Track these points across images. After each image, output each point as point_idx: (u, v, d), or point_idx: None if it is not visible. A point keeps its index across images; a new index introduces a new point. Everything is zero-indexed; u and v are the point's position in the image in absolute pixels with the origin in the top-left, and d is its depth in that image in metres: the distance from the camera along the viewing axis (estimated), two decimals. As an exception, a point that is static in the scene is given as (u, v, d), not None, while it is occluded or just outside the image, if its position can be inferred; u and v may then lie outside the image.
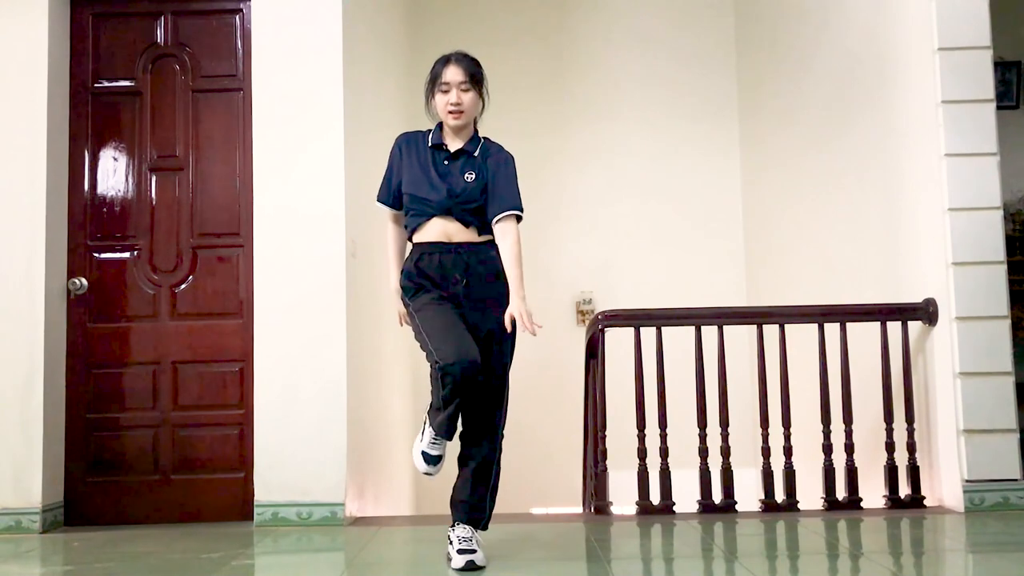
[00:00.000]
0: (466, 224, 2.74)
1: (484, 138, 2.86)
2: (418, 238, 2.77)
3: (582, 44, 6.16)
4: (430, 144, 2.80)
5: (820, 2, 4.72)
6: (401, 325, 2.92)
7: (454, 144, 2.80)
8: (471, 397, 2.66)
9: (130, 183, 3.81)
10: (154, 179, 3.81)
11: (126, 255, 3.78)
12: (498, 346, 2.75)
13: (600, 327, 3.77)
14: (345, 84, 3.66)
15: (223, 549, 3.11)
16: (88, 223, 3.78)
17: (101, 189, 3.80)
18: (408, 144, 2.84)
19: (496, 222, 2.73)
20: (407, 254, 2.84)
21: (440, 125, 2.83)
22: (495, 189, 2.76)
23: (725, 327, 3.73)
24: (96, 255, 3.78)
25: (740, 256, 6.00)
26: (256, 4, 3.71)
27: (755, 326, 3.76)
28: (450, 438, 2.75)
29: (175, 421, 3.71)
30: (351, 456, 3.58)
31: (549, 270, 6.00)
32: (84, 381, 3.72)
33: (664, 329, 3.74)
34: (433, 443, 2.73)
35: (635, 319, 3.79)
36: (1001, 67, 5.47)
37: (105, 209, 3.79)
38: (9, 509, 3.50)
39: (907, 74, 3.75)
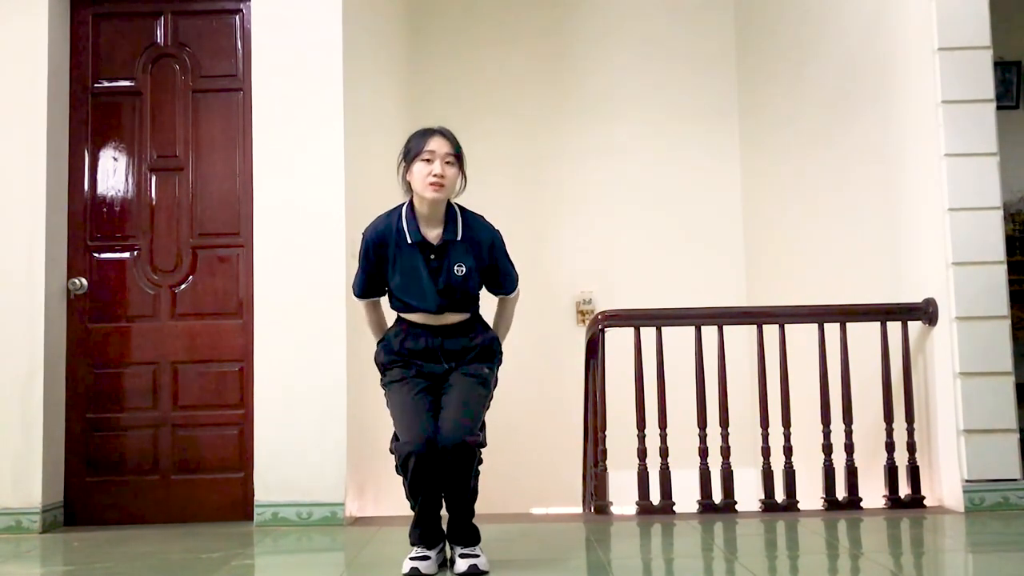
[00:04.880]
0: (456, 312, 2.69)
1: (459, 208, 2.72)
2: (406, 316, 2.71)
3: (582, 44, 6.15)
4: (410, 241, 2.63)
5: (820, 2, 4.72)
6: None
7: (433, 232, 2.65)
8: (432, 481, 2.57)
9: (130, 183, 3.81)
10: (154, 179, 3.81)
11: (126, 255, 3.78)
12: (476, 383, 2.68)
13: (600, 327, 3.77)
14: (345, 84, 3.66)
15: (223, 549, 3.12)
16: (88, 223, 3.78)
17: (101, 189, 3.80)
18: (382, 241, 2.66)
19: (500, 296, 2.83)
20: (390, 324, 2.78)
21: (411, 206, 2.67)
22: (497, 276, 2.77)
23: (725, 327, 3.73)
24: (96, 255, 3.78)
25: (740, 256, 5.99)
26: (256, 4, 3.71)
27: (755, 326, 3.76)
28: (426, 543, 2.65)
29: (175, 421, 3.71)
30: (351, 456, 3.58)
31: (549, 270, 5.99)
32: (84, 381, 3.72)
33: (664, 329, 3.74)
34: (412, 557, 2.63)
35: (635, 319, 3.79)
36: (1001, 67, 5.47)
37: (105, 209, 3.79)
38: (9, 509, 3.50)
39: (907, 74, 3.75)
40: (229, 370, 3.72)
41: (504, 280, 2.80)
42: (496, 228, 2.77)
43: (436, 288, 2.63)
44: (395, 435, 2.66)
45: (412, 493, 2.62)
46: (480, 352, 2.72)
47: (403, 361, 2.70)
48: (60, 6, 3.76)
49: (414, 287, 2.64)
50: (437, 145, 2.62)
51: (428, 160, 2.60)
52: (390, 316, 2.84)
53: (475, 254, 2.68)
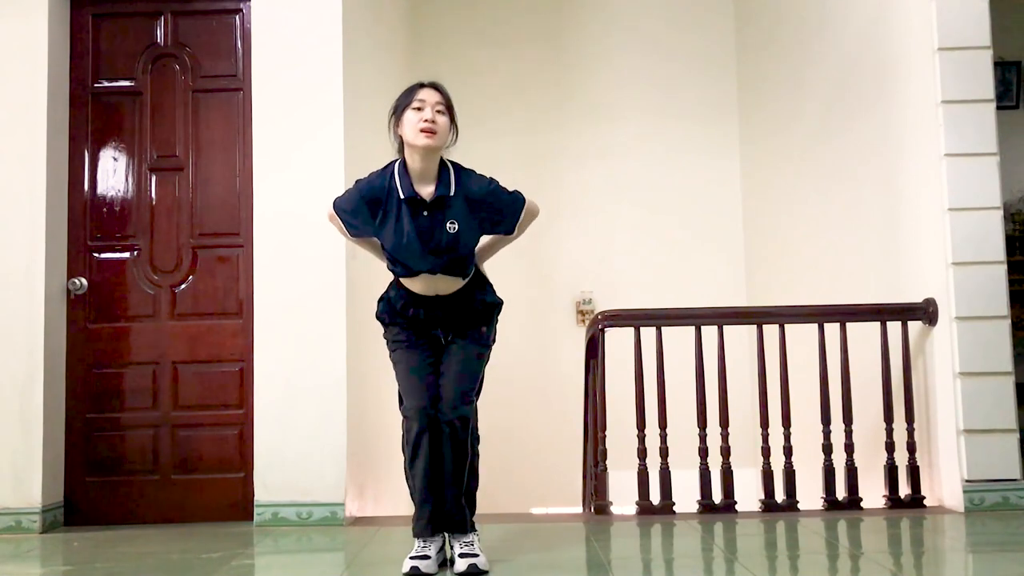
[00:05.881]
0: (453, 275, 2.64)
1: (451, 164, 2.67)
2: (405, 283, 2.69)
3: (582, 44, 6.15)
4: (402, 196, 2.59)
5: (820, 2, 4.72)
6: None
7: (426, 188, 2.60)
8: (434, 451, 2.62)
9: (130, 183, 3.81)
10: (154, 179, 3.81)
11: (126, 255, 3.78)
12: (476, 347, 2.71)
13: (600, 327, 3.77)
14: (345, 84, 3.66)
15: (223, 549, 3.12)
16: (88, 223, 3.78)
17: (101, 189, 3.80)
18: (375, 197, 2.62)
19: None
20: (391, 281, 2.76)
21: (404, 164, 2.63)
22: (500, 217, 2.70)
23: (725, 327, 3.73)
24: (96, 255, 3.78)
25: (740, 256, 6.00)
26: (256, 4, 3.71)
27: (755, 326, 3.76)
28: (433, 530, 2.67)
29: (175, 421, 3.71)
30: (351, 456, 3.58)
31: (549, 270, 6.00)
32: (84, 381, 3.72)
33: (664, 329, 3.74)
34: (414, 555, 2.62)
35: (635, 319, 3.79)
36: (1001, 67, 5.47)
37: (105, 209, 3.79)
38: (9, 509, 3.50)
39: (907, 74, 3.75)
40: (229, 370, 3.72)
41: (510, 221, 2.73)
42: (491, 177, 2.70)
43: (428, 248, 2.58)
44: (399, 389, 2.72)
45: (412, 463, 2.64)
46: (480, 316, 2.72)
47: (405, 322, 2.70)
48: (60, 6, 3.76)
49: (406, 247, 2.59)
50: (427, 95, 2.60)
51: (419, 108, 2.57)
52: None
53: (470, 209, 2.63)
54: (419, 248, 2.59)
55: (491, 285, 2.80)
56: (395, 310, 2.71)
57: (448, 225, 2.59)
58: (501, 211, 2.70)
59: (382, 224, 2.63)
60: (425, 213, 2.59)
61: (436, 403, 2.64)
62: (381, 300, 2.77)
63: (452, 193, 2.61)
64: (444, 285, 2.66)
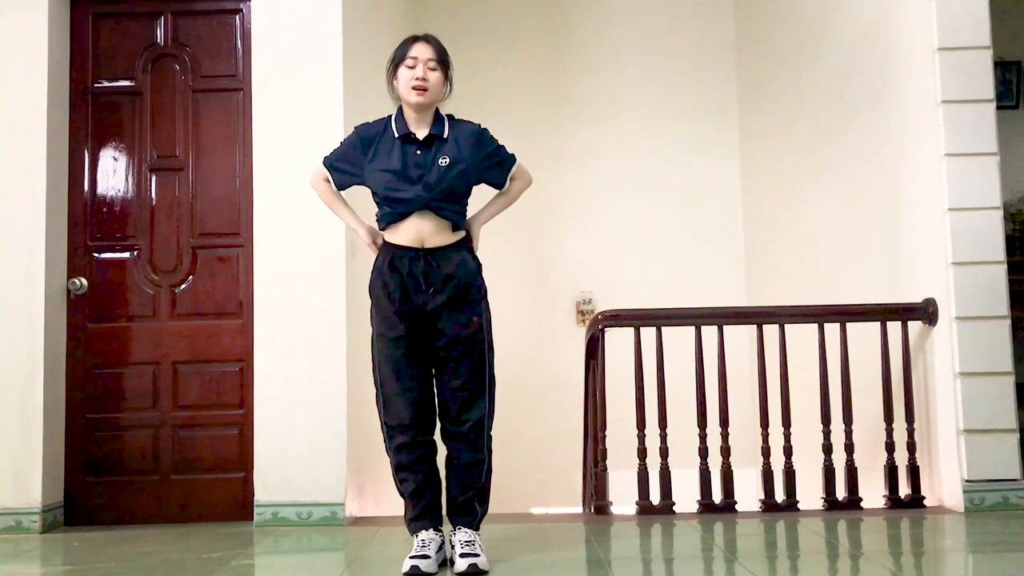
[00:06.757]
0: (442, 216, 2.64)
1: (447, 115, 2.76)
2: (390, 237, 2.68)
3: (582, 44, 6.15)
4: (397, 135, 2.67)
5: (820, 2, 4.72)
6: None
7: (421, 131, 2.68)
8: (424, 462, 2.71)
9: (130, 183, 3.81)
10: (154, 179, 3.81)
11: (126, 255, 3.78)
12: (470, 345, 2.67)
13: (600, 327, 3.77)
14: (345, 84, 3.66)
15: (223, 549, 3.12)
16: (88, 223, 3.78)
17: (101, 189, 3.80)
18: (372, 137, 2.71)
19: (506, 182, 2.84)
20: (381, 248, 2.73)
21: (400, 110, 2.72)
22: (489, 165, 2.77)
23: (725, 327, 3.73)
24: (96, 255, 3.78)
25: (740, 256, 5.99)
26: (256, 4, 3.71)
27: (755, 326, 3.76)
28: (432, 524, 2.71)
29: (175, 421, 3.71)
30: (351, 456, 3.58)
31: (549, 270, 6.00)
32: (84, 381, 3.72)
33: (664, 329, 3.74)
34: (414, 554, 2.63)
35: (635, 319, 3.79)
36: (1001, 67, 5.47)
37: (105, 209, 3.79)
38: (9, 509, 3.50)
39: (907, 74, 3.75)
40: (229, 370, 3.72)
41: (499, 171, 2.80)
42: (481, 125, 2.80)
43: (420, 182, 2.61)
44: (379, 397, 2.71)
45: (397, 471, 2.72)
46: (465, 289, 2.67)
47: (391, 292, 2.65)
48: (60, 6, 3.76)
49: (395, 177, 2.62)
50: (420, 51, 2.67)
51: (411, 66, 2.65)
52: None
53: (461, 148, 2.69)
54: (408, 176, 2.62)
55: (480, 264, 2.77)
56: (383, 278, 2.67)
57: (440, 160, 2.65)
58: (491, 155, 2.77)
59: (372, 160, 2.68)
60: (419, 151, 2.66)
61: (423, 416, 2.69)
62: (372, 269, 2.75)
63: (445, 135, 2.70)
64: (430, 232, 2.64)
